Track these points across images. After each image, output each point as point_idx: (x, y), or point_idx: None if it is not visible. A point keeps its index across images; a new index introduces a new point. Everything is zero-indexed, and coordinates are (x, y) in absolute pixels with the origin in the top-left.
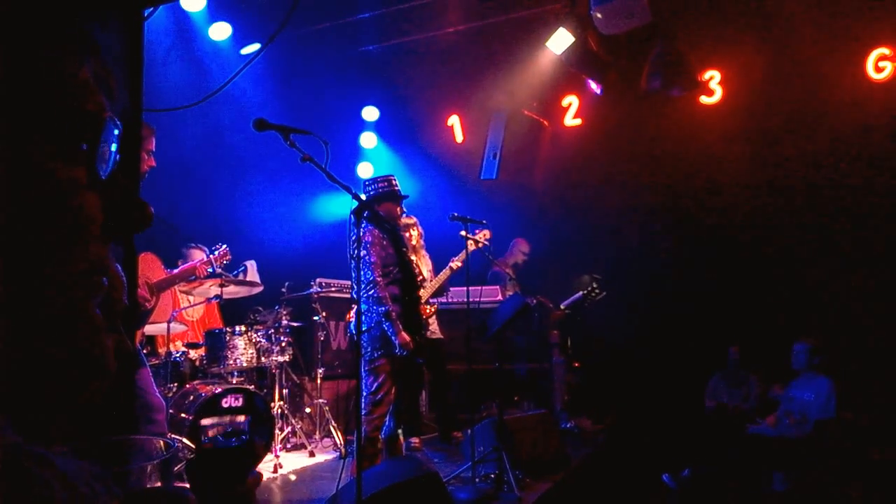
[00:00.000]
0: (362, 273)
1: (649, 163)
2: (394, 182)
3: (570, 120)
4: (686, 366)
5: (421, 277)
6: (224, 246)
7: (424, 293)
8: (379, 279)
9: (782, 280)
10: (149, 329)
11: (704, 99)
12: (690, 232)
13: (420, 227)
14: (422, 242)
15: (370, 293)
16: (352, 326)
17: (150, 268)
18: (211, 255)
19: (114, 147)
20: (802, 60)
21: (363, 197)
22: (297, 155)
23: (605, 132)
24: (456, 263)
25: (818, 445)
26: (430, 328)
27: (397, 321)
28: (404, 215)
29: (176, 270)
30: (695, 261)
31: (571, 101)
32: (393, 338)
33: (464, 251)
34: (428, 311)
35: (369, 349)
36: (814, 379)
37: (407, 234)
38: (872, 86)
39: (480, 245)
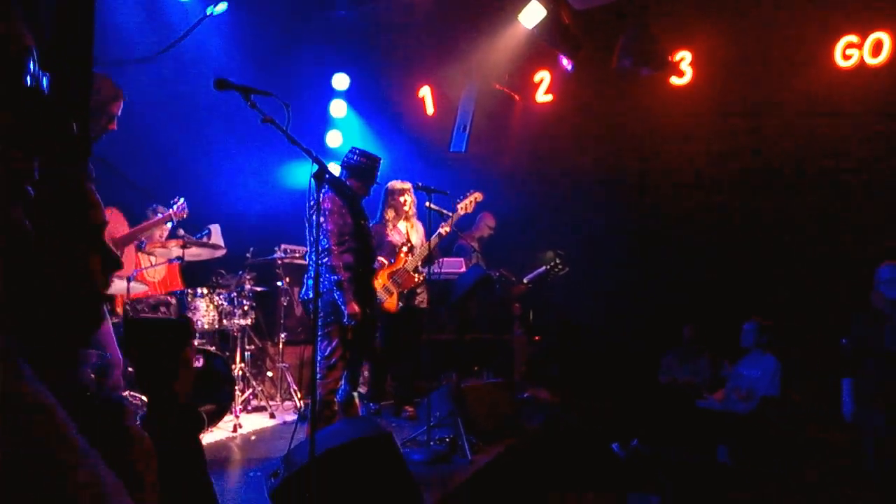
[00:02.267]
0: (319, 240)
1: (618, 141)
2: (377, 164)
3: (542, 96)
4: (644, 342)
5: (410, 244)
6: (181, 199)
7: (412, 261)
8: (334, 248)
9: (741, 260)
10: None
11: (675, 80)
12: (655, 211)
13: (413, 195)
14: (414, 210)
15: (324, 261)
16: (302, 292)
17: (115, 223)
18: (169, 210)
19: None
20: (772, 46)
21: (334, 165)
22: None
23: (576, 109)
24: (445, 229)
25: (762, 420)
26: (419, 298)
27: (349, 291)
28: (400, 180)
29: (139, 226)
30: (658, 240)
31: (543, 77)
32: (343, 307)
33: (454, 214)
34: (416, 279)
35: (322, 314)
36: (761, 357)
37: (402, 200)
38: (840, 73)
39: (470, 210)
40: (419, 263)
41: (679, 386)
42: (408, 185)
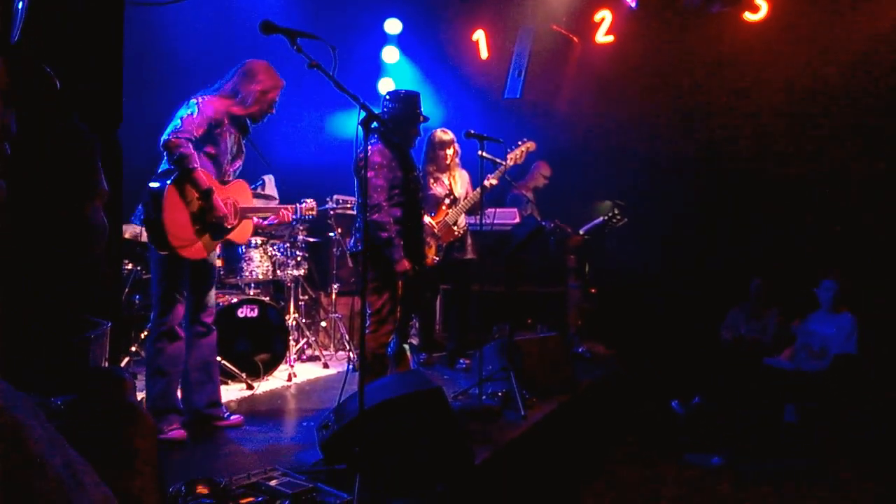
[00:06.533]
0: (367, 194)
1: (684, 85)
2: (414, 103)
3: (602, 36)
4: (706, 297)
5: (452, 196)
6: (312, 200)
7: (455, 212)
8: (383, 203)
9: (813, 213)
10: None
11: (748, 15)
12: (722, 159)
13: (457, 145)
14: (457, 161)
15: (373, 217)
16: (350, 244)
17: (241, 193)
18: (299, 205)
19: (20, 5)
20: None
21: (376, 111)
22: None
23: (639, 50)
24: (490, 181)
25: (835, 380)
26: (459, 250)
27: (398, 247)
28: (442, 130)
29: (263, 205)
30: (724, 190)
31: (604, 16)
32: (393, 263)
33: (502, 167)
34: (456, 233)
35: (371, 268)
36: (835, 314)
37: (443, 153)
38: None
39: (520, 160)
40: (461, 215)
41: (745, 342)
42: (450, 137)
